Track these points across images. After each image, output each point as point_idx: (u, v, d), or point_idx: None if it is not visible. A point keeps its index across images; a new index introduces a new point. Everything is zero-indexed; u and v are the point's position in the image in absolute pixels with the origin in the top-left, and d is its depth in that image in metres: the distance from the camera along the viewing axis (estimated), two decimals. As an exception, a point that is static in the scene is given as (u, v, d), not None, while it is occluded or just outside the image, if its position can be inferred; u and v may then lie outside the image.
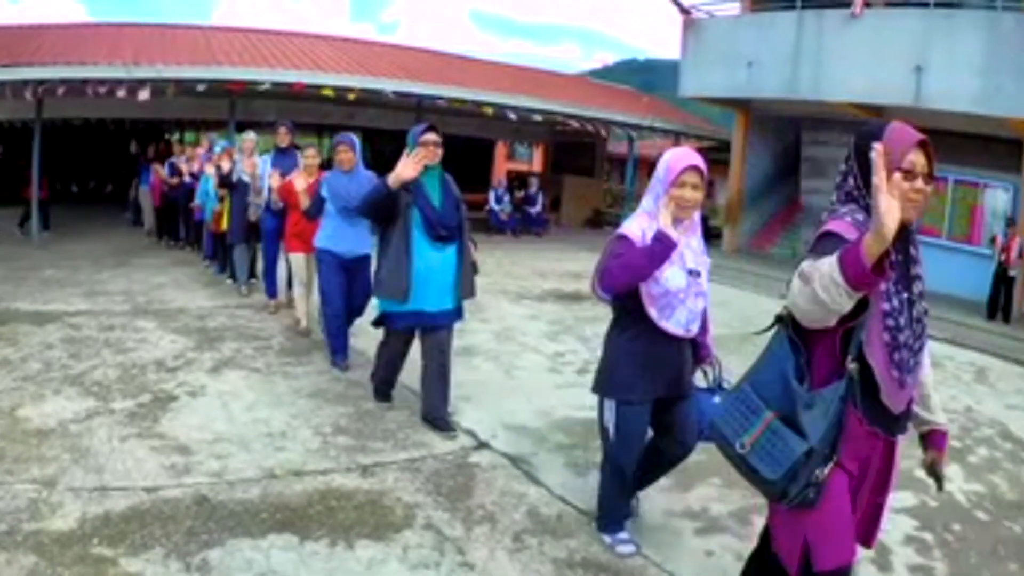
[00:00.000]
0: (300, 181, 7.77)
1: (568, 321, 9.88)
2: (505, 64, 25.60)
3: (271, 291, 9.34)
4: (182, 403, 6.05)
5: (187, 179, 12.68)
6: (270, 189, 8.52)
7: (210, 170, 10.97)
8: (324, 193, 6.91)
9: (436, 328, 5.69)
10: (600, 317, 10.16)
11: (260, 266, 10.10)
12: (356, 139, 7.05)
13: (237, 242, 10.13)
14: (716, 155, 24.75)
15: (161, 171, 13.93)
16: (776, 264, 17.62)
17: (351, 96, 14.80)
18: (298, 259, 8.17)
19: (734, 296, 13.15)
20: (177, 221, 13.99)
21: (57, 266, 11.56)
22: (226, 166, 10.10)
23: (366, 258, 7.00)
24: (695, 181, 3.78)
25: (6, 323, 8.06)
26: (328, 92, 14.53)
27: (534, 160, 30.19)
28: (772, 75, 17.32)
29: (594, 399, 6.60)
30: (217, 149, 11.60)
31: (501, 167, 28.91)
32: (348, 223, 6.81)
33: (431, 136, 5.38)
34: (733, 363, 8.17)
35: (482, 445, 5.63)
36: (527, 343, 8.75)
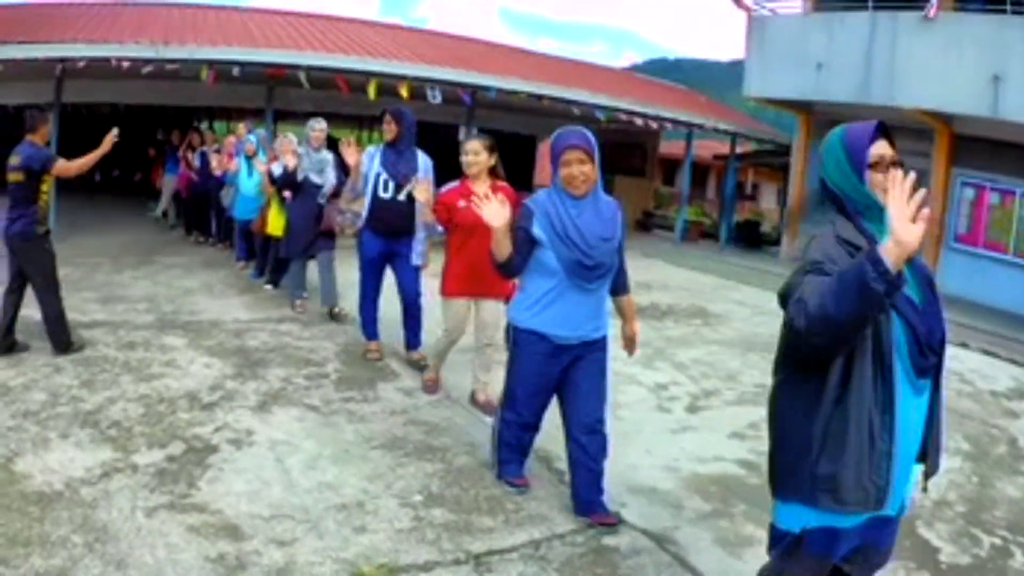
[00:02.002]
0: (496, 208, 3.98)
1: (657, 343, 8.63)
2: (556, 57, 24.36)
3: (371, 331, 7.07)
4: (223, 456, 4.70)
5: (217, 172, 11.36)
6: (375, 200, 6.48)
7: (257, 164, 9.65)
8: (539, 234, 4.03)
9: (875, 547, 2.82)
10: (689, 340, 9.09)
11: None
12: (592, 137, 4.04)
13: (296, 256, 8.58)
14: (769, 159, 23.64)
15: (191, 159, 12.64)
16: None
17: (403, 89, 13.36)
18: (459, 308, 5.82)
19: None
20: (207, 216, 12.71)
21: (73, 263, 10.17)
22: (291, 162, 8.23)
23: (598, 344, 4.33)
24: None
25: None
26: (375, 84, 13.13)
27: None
28: (843, 78, 16.10)
29: (719, 448, 5.66)
30: (252, 138, 10.29)
31: (544, 165, 27.57)
32: (579, 289, 4.08)
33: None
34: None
35: (613, 518, 4.38)
36: (621, 371, 7.38)
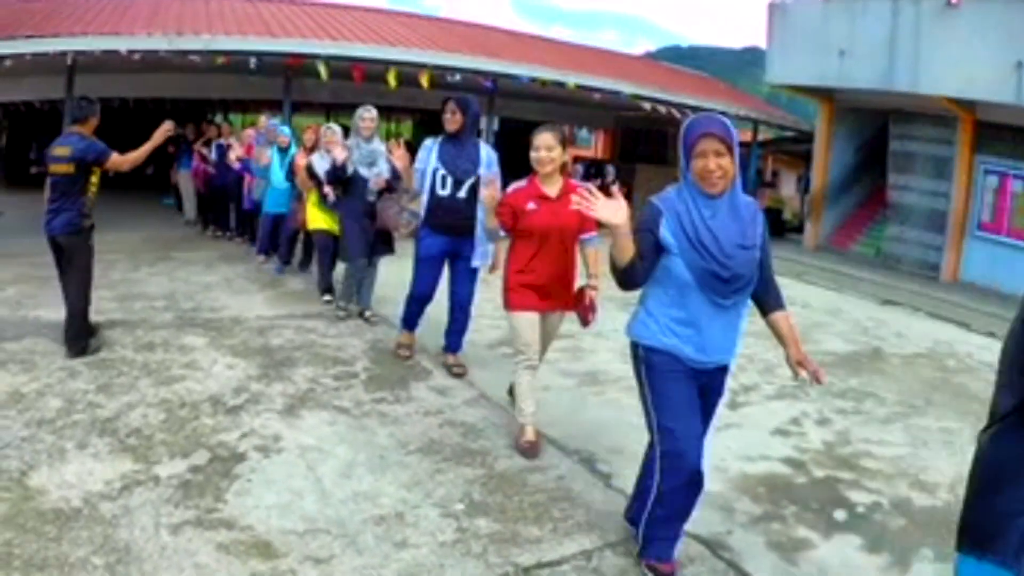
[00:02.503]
0: (612, 204, 3.23)
1: (692, 336, 8.27)
2: (575, 44, 24.00)
3: (411, 324, 6.64)
4: (251, 466, 4.38)
5: (236, 164, 11.06)
6: (433, 198, 6.02)
7: (299, 159, 9.24)
8: (668, 238, 3.34)
9: None
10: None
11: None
12: (731, 126, 3.37)
13: (356, 257, 7.62)
14: (791, 146, 23.27)
15: (206, 153, 12.35)
16: (863, 263, 16.45)
17: (423, 78, 13.05)
18: (529, 322, 4.85)
19: (838, 301, 11.86)
20: (225, 209, 12.44)
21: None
22: (340, 154, 7.41)
23: (726, 369, 3.65)
24: None
25: (22, 338, 6.45)
26: (393, 75, 12.78)
27: (595, 146, 28.46)
28: (866, 65, 15.76)
29: (764, 446, 5.40)
30: (286, 130, 10.13)
31: (568, 155, 27.27)
32: (712, 305, 3.39)
33: None
34: (879, 386, 7.09)
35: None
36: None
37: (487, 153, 5.99)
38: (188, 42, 11.45)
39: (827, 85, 17.16)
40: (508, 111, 18.77)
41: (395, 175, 7.24)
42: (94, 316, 6.81)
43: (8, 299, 7.84)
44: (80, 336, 6.15)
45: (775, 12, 17.81)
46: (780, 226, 20.98)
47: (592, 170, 19.74)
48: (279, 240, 10.07)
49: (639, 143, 23.63)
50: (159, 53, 11.12)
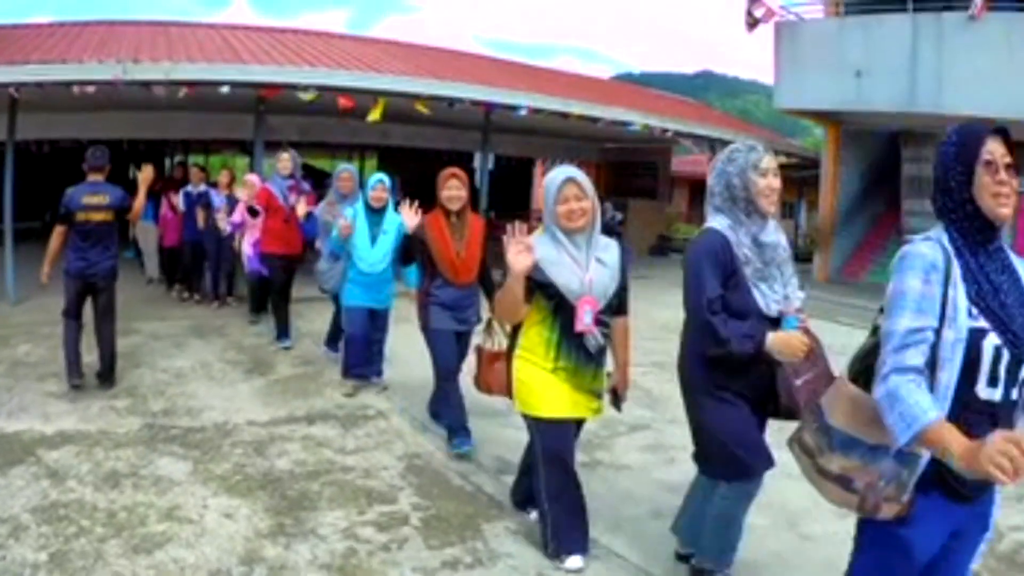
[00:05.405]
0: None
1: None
2: (562, 71, 22.86)
3: None
4: None
5: (227, 228, 9.55)
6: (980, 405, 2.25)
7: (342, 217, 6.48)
8: None
9: None
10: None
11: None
12: None
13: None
14: (789, 172, 22.30)
15: (175, 202, 10.75)
16: (880, 295, 15.03)
17: (420, 107, 11.54)
18: None
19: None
20: (196, 267, 10.87)
21: (34, 336, 8.12)
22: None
23: None
24: None
25: (-57, 467, 4.78)
26: (383, 104, 11.19)
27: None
28: (885, 85, 14.74)
29: None
30: (384, 179, 6.70)
31: (540, 189, 26.12)
32: None
33: None
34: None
35: None
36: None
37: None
38: (146, 71, 9.83)
39: (845, 108, 16.11)
40: (500, 147, 17.35)
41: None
42: (39, 426, 5.52)
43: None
44: (112, 369, 6.60)
45: (784, 32, 16.71)
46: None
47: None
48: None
49: (628, 177, 22.53)
50: (113, 83, 9.44)
